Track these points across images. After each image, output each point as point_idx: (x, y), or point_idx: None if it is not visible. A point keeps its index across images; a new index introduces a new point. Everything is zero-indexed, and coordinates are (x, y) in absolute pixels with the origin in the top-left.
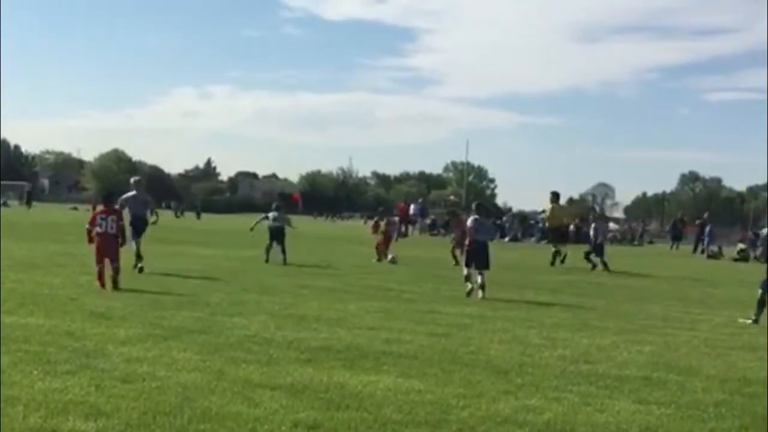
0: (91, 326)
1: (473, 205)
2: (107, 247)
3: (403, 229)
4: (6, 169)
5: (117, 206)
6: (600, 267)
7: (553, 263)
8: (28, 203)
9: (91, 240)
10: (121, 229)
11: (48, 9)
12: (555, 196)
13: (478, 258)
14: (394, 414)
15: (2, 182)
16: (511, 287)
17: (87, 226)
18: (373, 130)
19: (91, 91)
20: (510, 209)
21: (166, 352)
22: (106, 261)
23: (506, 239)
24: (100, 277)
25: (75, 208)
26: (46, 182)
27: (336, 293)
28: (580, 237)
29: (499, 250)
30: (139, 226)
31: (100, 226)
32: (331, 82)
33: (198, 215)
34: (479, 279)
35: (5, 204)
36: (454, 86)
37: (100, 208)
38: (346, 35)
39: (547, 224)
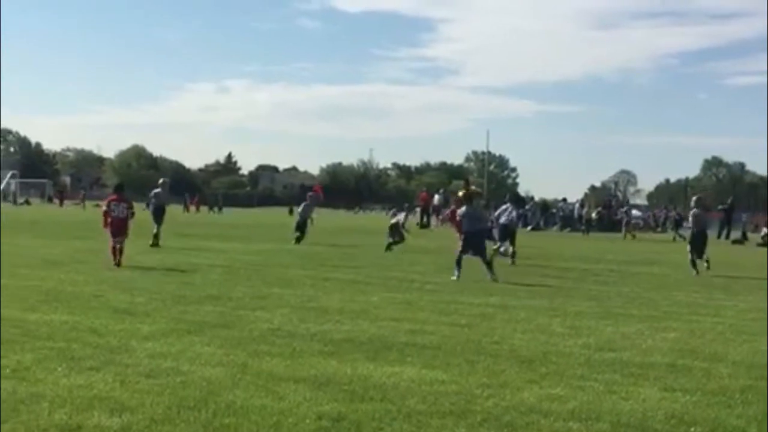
0: (114, 322)
1: (461, 195)
2: (118, 228)
3: (425, 219)
4: (27, 166)
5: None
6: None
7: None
8: (60, 201)
9: (106, 223)
10: (132, 212)
11: (65, 5)
12: None
13: (474, 247)
14: (419, 405)
15: (24, 180)
16: (534, 276)
17: (104, 208)
18: (392, 122)
19: (110, 86)
20: (532, 198)
21: (189, 347)
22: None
23: (529, 228)
24: (114, 252)
25: (97, 206)
26: (67, 180)
27: (358, 285)
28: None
29: (521, 239)
30: (160, 214)
31: (113, 211)
32: (348, 74)
33: (219, 209)
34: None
35: (27, 202)
36: (472, 76)
37: (112, 196)
38: (362, 26)
39: None
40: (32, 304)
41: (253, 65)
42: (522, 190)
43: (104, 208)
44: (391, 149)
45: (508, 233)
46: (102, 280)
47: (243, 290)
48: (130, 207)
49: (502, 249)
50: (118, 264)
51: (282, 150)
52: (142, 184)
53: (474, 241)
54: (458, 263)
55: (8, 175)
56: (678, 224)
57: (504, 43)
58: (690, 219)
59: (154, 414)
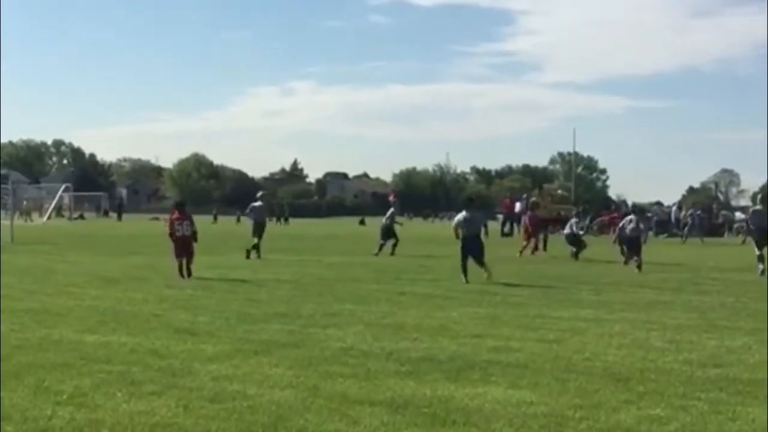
0: (176, 343)
1: (465, 199)
2: (183, 247)
3: (507, 228)
4: (81, 179)
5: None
6: None
7: None
8: (119, 215)
9: (174, 240)
10: (194, 231)
11: (121, 11)
12: None
13: (471, 250)
14: (505, 428)
15: (78, 193)
16: (629, 286)
17: (168, 230)
18: (470, 122)
19: (167, 93)
20: (624, 201)
21: (256, 369)
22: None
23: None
24: (180, 269)
25: (156, 218)
26: (123, 192)
27: (436, 300)
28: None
29: (612, 245)
30: (260, 230)
31: (177, 230)
32: (422, 72)
33: (285, 220)
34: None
35: (81, 216)
36: (556, 71)
37: (175, 215)
38: (437, 21)
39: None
40: (89, 325)
41: (318, 66)
42: (613, 194)
43: (168, 230)
44: (470, 152)
45: (636, 245)
46: (162, 298)
47: (313, 307)
48: (192, 224)
49: (632, 262)
50: (189, 275)
51: (352, 155)
52: (202, 194)
53: (471, 245)
54: (464, 270)
55: (61, 189)
56: None
57: (590, 35)
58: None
59: None
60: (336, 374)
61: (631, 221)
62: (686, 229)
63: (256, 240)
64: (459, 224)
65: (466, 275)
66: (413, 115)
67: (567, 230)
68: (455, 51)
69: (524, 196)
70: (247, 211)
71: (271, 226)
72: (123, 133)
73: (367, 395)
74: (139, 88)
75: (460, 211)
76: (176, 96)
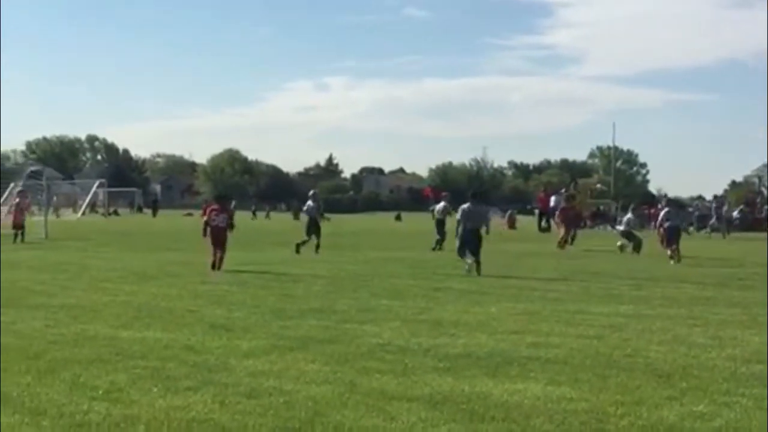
0: (211, 339)
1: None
2: (218, 238)
3: (544, 222)
4: (115, 175)
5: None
6: None
7: None
8: (154, 211)
9: (205, 232)
10: (231, 221)
11: (154, 6)
12: None
13: (471, 243)
14: (545, 425)
15: (112, 189)
16: (669, 282)
17: (203, 218)
18: (507, 116)
19: (201, 89)
20: (665, 196)
21: (292, 364)
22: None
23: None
24: (213, 263)
25: (189, 214)
26: (157, 187)
27: (474, 295)
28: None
29: (653, 240)
30: (313, 227)
31: (214, 221)
32: (459, 66)
33: (322, 216)
34: (473, 261)
35: (115, 212)
36: (595, 64)
37: (214, 206)
38: (474, 14)
39: None
40: (124, 321)
41: (352, 60)
42: (653, 188)
43: (205, 217)
44: (507, 146)
45: (676, 235)
46: (197, 294)
47: (348, 302)
48: (230, 218)
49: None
50: (219, 268)
51: (387, 151)
52: (236, 190)
53: (470, 237)
54: (462, 254)
55: (95, 185)
56: None
57: (629, 28)
58: None
59: None
60: (373, 370)
61: (668, 213)
62: (713, 221)
63: (307, 237)
64: (462, 216)
65: (476, 264)
66: (449, 110)
67: (623, 227)
68: (492, 44)
69: (562, 190)
70: (305, 211)
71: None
72: (156, 128)
73: (405, 391)
74: (172, 83)
75: (498, 205)
76: (210, 91)
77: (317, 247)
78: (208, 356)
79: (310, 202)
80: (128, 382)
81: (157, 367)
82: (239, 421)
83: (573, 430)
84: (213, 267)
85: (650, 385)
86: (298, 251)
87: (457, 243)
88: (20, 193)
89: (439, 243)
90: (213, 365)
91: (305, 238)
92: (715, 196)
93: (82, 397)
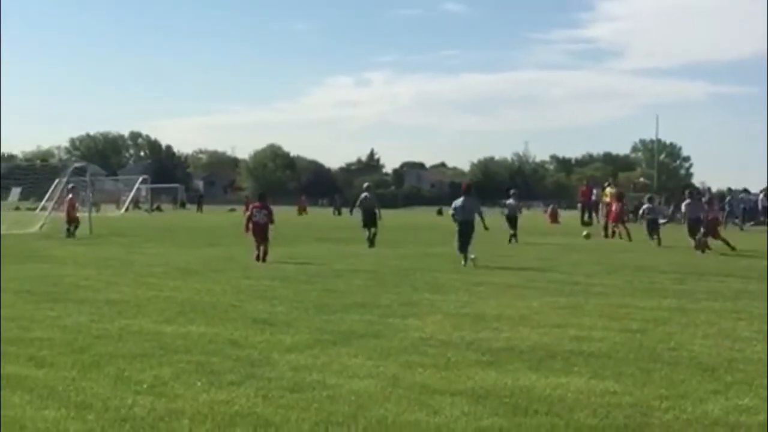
0: (254, 333)
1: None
2: (260, 233)
3: (587, 216)
4: (158, 171)
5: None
6: None
7: None
8: (199, 206)
9: (247, 228)
10: (271, 219)
11: (195, 2)
12: None
13: (465, 235)
14: (589, 419)
15: (155, 185)
16: (713, 275)
17: (246, 213)
18: (549, 111)
19: (242, 84)
20: (708, 189)
21: (335, 359)
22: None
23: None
24: (258, 255)
25: (233, 210)
26: (200, 183)
27: (516, 289)
28: None
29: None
30: (369, 220)
31: (255, 217)
32: (499, 60)
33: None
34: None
35: (158, 208)
36: (637, 57)
37: (256, 203)
38: (513, 8)
39: None
40: (168, 316)
41: (392, 55)
42: (697, 181)
43: (248, 213)
44: (549, 141)
45: (655, 226)
46: (239, 289)
47: (391, 297)
48: (270, 214)
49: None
50: (263, 260)
51: (429, 145)
52: (278, 185)
53: (466, 230)
54: (461, 250)
55: (138, 181)
56: None
57: (672, 20)
58: None
59: (300, 431)
60: (416, 364)
61: (649, 208)
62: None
63: (366, 233)
64: (455, 210)
65: (465, 258)
66: (490, 104)
67: (663, 220)
68: (532, 38)
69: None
70: (357, 204)
71: (346, 216)
72: (199, 124)
73: (448, 385)
74: (214, 79)
75: (540, 199)
76: (251, 86)
77: (373, 237)
78: (252, 351)
79: (365, 194)
80: (172, 377)
81: (201, 361)
82: (282, 415)
83: (617, 424)
84: (257, 259)
85: (695, 379)
86: (372, 245)
87: (456, 240)
88: (72, 189)
89: (514, 236)
90: (256, 359)
91: (367, 231)
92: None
93: (127, 391)
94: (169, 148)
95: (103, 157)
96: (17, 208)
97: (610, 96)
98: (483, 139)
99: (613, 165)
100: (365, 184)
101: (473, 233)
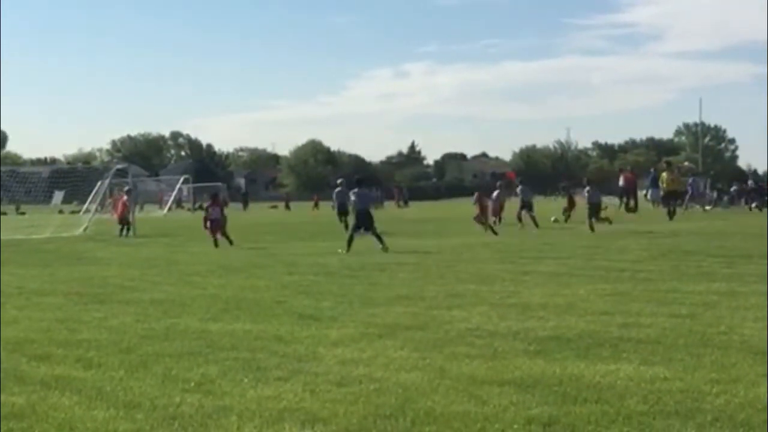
0: (300, 329)
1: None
2: (217, 227)
3: (632, 202)
4: (199, 170)
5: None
6: None
7: None
8: (244, 204)
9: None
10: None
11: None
12: None
13: (364, 223)
14: (639, 405)
15: (197, 184)
16: (762, 258)
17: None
18: (590, 97)
19: (281, 80)
20: (755, 171)
21: (382, 352)
22: None
23: (753, 205)
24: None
25: (274, 207)
26: (241, 181)
27: (562, 277)
28: None
29: (744, 217)
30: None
31: (212, 214)
32: (539, 47)
33: (405, 203)
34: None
35: (201, 207)
36: (677, 40)
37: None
38: None
39: None
40: (213, 314)
41: (431, 46)
42: (743, 164)
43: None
44: (591, 127)
45: (595, 210)
46: (284, 285)
47: (435, 289)
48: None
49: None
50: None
51: (469, 136)
52: (319, 181)
53: (362, 218)
54: (350, 241)
55: (180, 180)
56: None
57: (711, 1)
58: None
59: (349, 424)
60: (462, 355)
61: (590, 192)
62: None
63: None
64: (353, 202)
65: (350, 246)
66: (531, 92)
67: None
68: (571, 24)
69: (651, 170)
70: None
71: (391, 209)
72: (238, 121)
73: (495, 375)
74: (251, 75)
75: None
76: (290, 82)
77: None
78: (298, 346)
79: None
80: (219, 374)
81: (247, 358)
82: (330, 410)
83: (668, 410)
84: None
85: (746, 363)
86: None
87: (350, 225)
88: (127, 192)
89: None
90: (302, 355)
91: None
92: None
93: (174, 390)
94: (209, 146)
95: (145, 158)
96: (60, 212)
97: (652, 80)
98: (524, 127)
99: (656, 150)
100: (339, 180)
101: (371, 219)
